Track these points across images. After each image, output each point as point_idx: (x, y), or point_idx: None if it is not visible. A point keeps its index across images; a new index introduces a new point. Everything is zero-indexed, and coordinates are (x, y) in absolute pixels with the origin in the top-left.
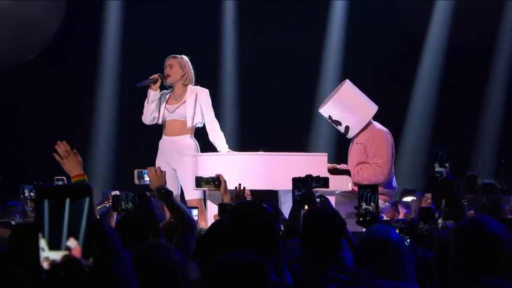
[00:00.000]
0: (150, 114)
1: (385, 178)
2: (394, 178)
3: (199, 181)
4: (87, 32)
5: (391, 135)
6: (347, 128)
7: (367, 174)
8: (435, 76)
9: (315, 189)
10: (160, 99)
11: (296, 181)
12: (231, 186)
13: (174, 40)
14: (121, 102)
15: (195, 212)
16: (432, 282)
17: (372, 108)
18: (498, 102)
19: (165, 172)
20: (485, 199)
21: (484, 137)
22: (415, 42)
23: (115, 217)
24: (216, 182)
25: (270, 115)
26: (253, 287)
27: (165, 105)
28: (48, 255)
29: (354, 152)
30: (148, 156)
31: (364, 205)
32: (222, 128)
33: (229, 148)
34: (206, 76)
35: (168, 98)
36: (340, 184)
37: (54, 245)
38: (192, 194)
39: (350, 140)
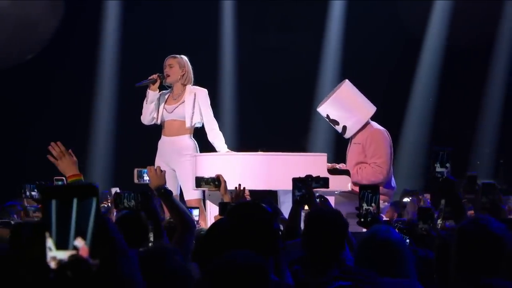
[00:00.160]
0: (149, 114)
1: (384, 178)
2: (393, 178)
3: (199, 181)
4: (86, 32)
5: (389, 134)
6: (344, 128)
7: (366, 174)
8: (434, 76)
9: (315, 189)
10: (159, 99)
11: (296, 182)
12: (230, 186)
13: (173, 40)
14: (120, 102)
15: (195, 213)
16: (432, 282)
17: (370, 109)
18: (497, 102)
19: (164, 171)
20: (485, 199)
21: (483, 137)
22: (414, 42)
23: (114, 213)
24: (216, 182)
25: (269, 115)
26: (253, 287)
27: (164, 105)
28: (56, 254)
29: (352, 152)
30: (147, 156)
31: (365, 206)
32: (220, 128)
33: (228, 148)
34: (205, 76)
35: (167, 98)
36: (339, 184)
37: (61, 245)
38: (192, 194)
39: (349, 140)
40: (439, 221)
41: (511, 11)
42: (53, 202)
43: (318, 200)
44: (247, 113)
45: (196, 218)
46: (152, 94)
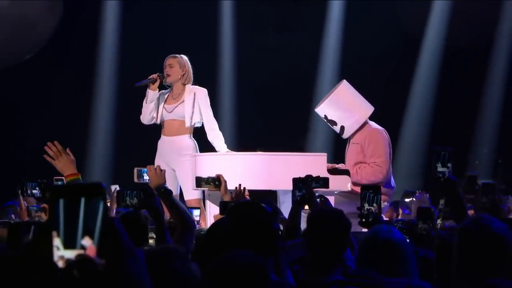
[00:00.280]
0: (148, 113)
1: (384, 177)
2: (392, 178)
3: (199, 181)
4: (85, 32)
5: (387, 133)
6: (342, 128)
7: (366, 174)
8: (432, 76)
9: (314, 189)
10: (158, 98)
11: (297, 182)
12: (230, 186)
13: (172, 40)
14: (119, 102)
15: (196, 213)
16: (432, 282)
17: (368, 109)
18: (496, 102)
19: (164, 171)
20: (485, 199)
21: (482, 137)
22: (413, 42)
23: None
24: (217, 182)
25: (267, 115)
26: (253, 287)
27: (164, 105)
28: (63, 253)
29: (351, 152)
30: (147, 156)
31: (366, 206)
32: (219, 128)
33: (227, 148)
34: (204, 76)
35: (167, 97)
36: (339, 184)
37: (69, 244)
38: (191, 194)
39: (347, 140)
40: (438, 221)
41: (510, 11)
42: (61, 201)
43: (318, 200)
44: (245, 113)
45: (197, 218)
46: (152, 94)
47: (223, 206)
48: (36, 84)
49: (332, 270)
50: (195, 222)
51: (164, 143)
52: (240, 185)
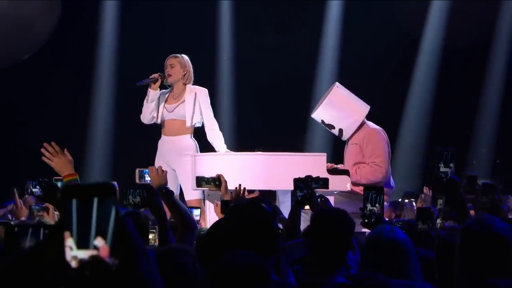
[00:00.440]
0: (149, 113)
1: (383, 177)
2: (391, 178)
3: (200, 181)
4: (83, 32)
5: (385, 133)
6: (340, 130)
7: (365, 173)
8: (431, 76)
9: (314, 189)
10: (159, 98)
11: (298, 182)
12: (230, 186)
13: (171, 40)
14: (118, 102)
15: (196, 212)
16: (433, 282)
17: (364, 108)
18: (495, 102)
19: (166, 171)
20: (485, 199)
21: (481, 137)
22: (411, 42)
23: None
24: (217, 182)
25: (266, 115)
26: (254, 287)
27: (164, 105)
28: (76, 254)
29: (350, 153)
30: (147, 155)
31: (369, 206)
32: (219, 128)
33: (226, 148)
34: (202, 76)
35: (167, 97)
36: (339, 184)
37: (82, 244)
38: (192, 194)
39: (345, 141)
40: (438, 221)
41: (509, 11)
42: (74, 201)
43: (318, 200)
44: (244, 113)
45: (197, 218)
46: (153, 93)
47: (224, 205)
48: (34, 84)
49: (336, 270)
50: (196, 223)
51: (165, 143)
52: (240, 185)
